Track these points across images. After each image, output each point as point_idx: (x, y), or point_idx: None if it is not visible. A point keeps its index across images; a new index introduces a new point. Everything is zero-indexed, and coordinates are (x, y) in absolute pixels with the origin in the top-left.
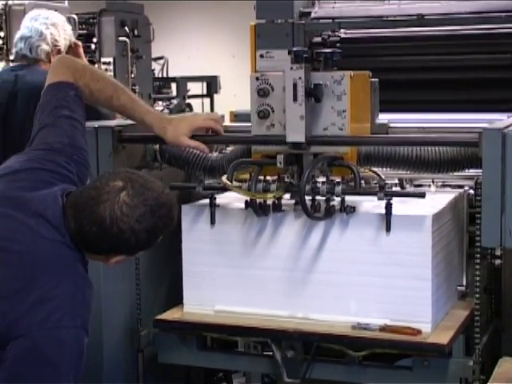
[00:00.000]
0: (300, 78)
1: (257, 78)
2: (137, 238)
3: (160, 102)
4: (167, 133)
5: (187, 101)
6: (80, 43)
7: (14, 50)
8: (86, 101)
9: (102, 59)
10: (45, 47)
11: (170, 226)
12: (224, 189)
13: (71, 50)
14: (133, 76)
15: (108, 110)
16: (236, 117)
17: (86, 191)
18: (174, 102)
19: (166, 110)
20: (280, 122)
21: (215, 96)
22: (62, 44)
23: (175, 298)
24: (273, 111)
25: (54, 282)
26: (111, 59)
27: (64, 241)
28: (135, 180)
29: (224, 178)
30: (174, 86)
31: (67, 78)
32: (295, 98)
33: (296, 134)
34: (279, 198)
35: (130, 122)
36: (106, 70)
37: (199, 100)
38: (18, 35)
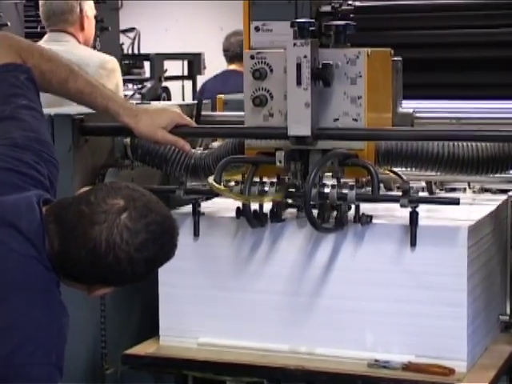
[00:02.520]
0: (305, 56)
1: (251, 57)
2: (133, 270)
3: (130, 85)
4: (140, 123)
5: (164, 84)
6: None
7: None
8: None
9: None
10: None
11: (171, 256)
12: (210, 193)
13: None
14: None
15: (62, 96)
16: (225, 104)
17: (76, 205)
18: (148, 85)
19: (138, 96)
20: (280, 111)
21: (199, 78)
22: None
23: (149, 327)
24: (271, 97)
25: (24, 306)
26: None
27: (39, 258)
28: (138, 199)
29: (210, 179)
30: (147, 64)
31: (13, 58)
32: (299, 82)
33: (300, 126)
34: (279, 206)
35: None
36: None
37: (179, 83)
38: None
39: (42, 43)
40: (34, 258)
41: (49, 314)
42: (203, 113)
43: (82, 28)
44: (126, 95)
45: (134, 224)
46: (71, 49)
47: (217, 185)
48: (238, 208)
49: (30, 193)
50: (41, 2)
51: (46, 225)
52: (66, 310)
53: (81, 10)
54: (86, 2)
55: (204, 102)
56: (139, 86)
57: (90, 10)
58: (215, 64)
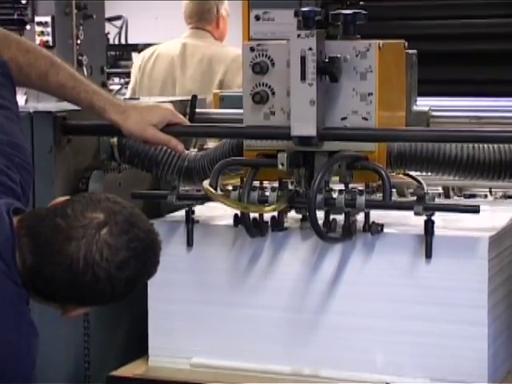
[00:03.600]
0: (310, 48)
1: (251, 49)
2: (113, 289)
3: (116, 79)
4: (129, 120)
5: None
6: None
7: None
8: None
9: (37, 18)
10: None
11: (154, 273)
12: (205, 198)
13: None
14: (79, 42)
15: (42, 91)
16: (222, 100)
17: (51, 218)
18: None
19: (125, 91)
20: (282, 109)
21: None
22: None
23: (137, 346)
24: (273, 94)
25: None
26: (49, 19)
27: (8, 272)
28: (119, 213)
29: (206, 183)
30: (135, 56)
31: None
32: (303, 77)
33: (304, 126)
34: (281, 212)
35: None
36: (42, 33)
37: None
38: None
39: (184, 39)
40: (1, 272)
41: (17, 332)
42: (198, 110)
43: (218, 26)
44: (111, 90)
45: (114, 240)
46: (209, 44)
47: (212, 190)
48: (235, 215)
49: None
50: (184, 3)
51: (17, 238)
52: (35, 329)
53: (217, 10)
54: (221, 3)
55: (199, 97)
56: (127, 79)
57: (224, 10)
58: None
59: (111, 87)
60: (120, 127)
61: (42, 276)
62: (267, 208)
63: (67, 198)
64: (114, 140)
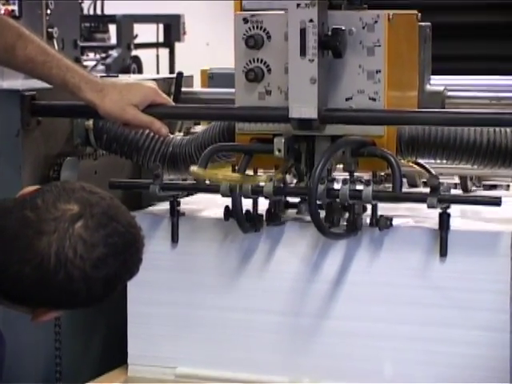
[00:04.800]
0: (311, 20)
1: (244, 20)
2: (89, 290)
3: (91, 54)
4: (106, 100)
5: (134, 52)
6: None
7: None
8: None
9: None
10: None
11: (135, 273)
12: (193, 188)
13: None
14: (49, 12)
15: (8, 67)
16: (211, 78)
17: (18, 210)
18: (114, 53)
19: (102, 67)
20: (279, 88)
21: (177, 45)
22: None
23: (115, 354)
24: (268, 71)
25: None
26: None
27: None
28: (96, 204)
29: (194, 167)
30: (112, 28)
31: None
32: (303, 52)
33: (304, 107)
34: (277, 204)
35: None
36: (8, 1)
37: (152, 51)
38: None
39: None
40: None
41: None
42: (184, 89)
43: None
44: (86, 66)
45: (90, 235)
46: None
47: (201, 171)
48: (226, 207)
49: None
50: None
51: None
52: (2, 337)
53: None
54: None
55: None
56: (103, 54)
57: None
58: (197, 28)
59: (86, 63)
60: (96, 107)
61: (9, 276)
62: (262, 177)
63: (37, 187)
64: (90, 122)
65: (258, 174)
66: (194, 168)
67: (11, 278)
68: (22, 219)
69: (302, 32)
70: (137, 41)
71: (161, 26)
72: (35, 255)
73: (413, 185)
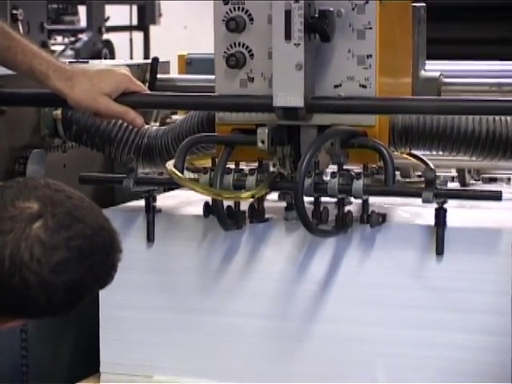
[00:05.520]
0: (297, 0)
1: (225, 1)
2: (49, 298)
3: (59, 38)
4: (76, 89)
5: (105, 36)
6: None
7: None
8: None
9: None
10: None
11: (108, 280)
12: (169, 183)
13: None
14: None
15: None
16: (189, 64)
17: None
18: (84, 37)
19: (71, 52)
20: (263, 74)
21: (152, 28)
22: None
23: (86, 362)
24: (251, 56)
25: None
26: None
27: None
28: (59, 203)
29: (170, 164)
30: (82, 10)
31: None
32: (288, 35)
33: (289, 94)
34: (261, 200)
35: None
36: None
37: (125, 35)
38: None
39: None
40: None
41: None
42: (159, 76)
43: None
44: (53, 51)
45: (49, 236)
46: None
47: (178, 173)
48: (206, 203)
49: None
50: None
51: None
52: None
53: None
54: None
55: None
56: (72, 38)
57: None
58: (174, 10)
59: (53, 48)
60: (65, 97)
61: None
62: (244, 194)
63: None
64: (58, 112)
65: (240, 167)
66: (171, 168)
67: None
68: None
69: (287, 14)
70: (108, 23)
71: (134, 7)
72: None
73: (407, 178)
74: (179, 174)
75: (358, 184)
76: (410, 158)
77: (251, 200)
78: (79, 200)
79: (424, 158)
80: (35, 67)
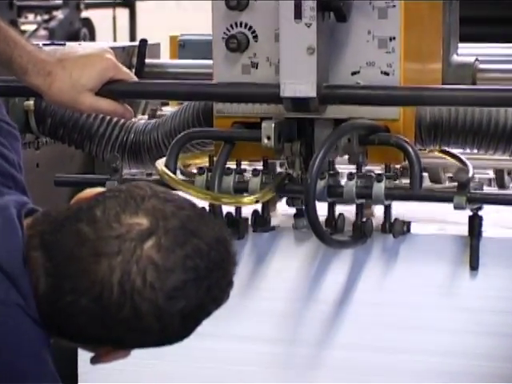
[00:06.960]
0: None
1: None
2: (164, 328)
3: (31, 16)
4: (55, 86)
5: (84, 14)
6: None
7: None
8: None
9: None
10: None
11: (222, 300)
12: (160, 185)
13: None
14: None
15: None
16: (182, 47)
17: (72, 223)
18: (59, 15)
19: (44, 33)
20: (269, 59)
21: (138, 5)
22: None
23: (63, 373)
24: (255, 38)
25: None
26: None
27: (25, 306)
28: (170, 216)
29: (160, 164)
30: None
31: None
32: (298, 14)
33: (299, 83)
34: (266, 205)
35: None
36: None
37: (107, 12)
38: None
39: None
40: (18, 306)
41: None
42: (148, 60)
43: None
44: (24, 31)
45: (165, 257)
46: None
47: (170, 174)
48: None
49: (3, 199)
50: None
51: (28, 251)
52: (58, 381)
53: None
54: None
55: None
56: (46, 16)
57: None
58: None
59: (24, 27)
60: (43, 96)
61: (61, 308)
62: (247, 199)
63: (97, 190)
64: (30, 103)
65: (242, 167)
66: (161, 168)
67: (63, 310)
68: (77, 236)
69: None
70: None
71: None
72: (93, 284)
73: (436, 180)
74: (171, 174)
75: (379, 187)
76: (441, 155)
77: (255, 205)
78: (190, 209)
79: (460, 155)
80: (15, 59)
